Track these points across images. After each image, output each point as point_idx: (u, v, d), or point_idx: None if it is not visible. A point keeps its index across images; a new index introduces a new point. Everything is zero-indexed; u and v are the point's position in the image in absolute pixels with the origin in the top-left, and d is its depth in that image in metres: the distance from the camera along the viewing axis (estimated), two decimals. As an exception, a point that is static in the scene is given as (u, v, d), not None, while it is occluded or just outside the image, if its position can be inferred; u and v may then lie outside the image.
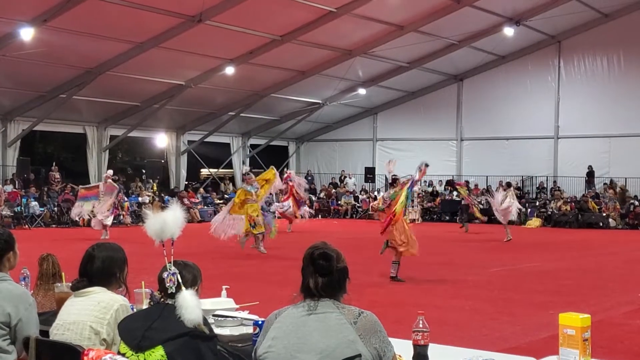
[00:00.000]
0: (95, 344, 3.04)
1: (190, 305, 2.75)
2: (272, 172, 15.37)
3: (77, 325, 3.09)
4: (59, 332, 3.15)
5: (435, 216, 27.73)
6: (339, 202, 29.49)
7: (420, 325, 2.93)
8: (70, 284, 3.33)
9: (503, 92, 28.32)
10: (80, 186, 19.24)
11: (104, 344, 3.07)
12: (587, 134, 26.68)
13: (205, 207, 26.53)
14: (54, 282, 4.11)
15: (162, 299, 2.87)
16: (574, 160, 26.97)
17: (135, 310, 3.26)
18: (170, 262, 2.86)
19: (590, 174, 26.52)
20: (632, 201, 24.81)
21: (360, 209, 28.66)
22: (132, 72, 21.98)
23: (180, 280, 2.83)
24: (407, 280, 10.66)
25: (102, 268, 3.21)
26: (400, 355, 2.83)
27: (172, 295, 2.81)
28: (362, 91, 28.12)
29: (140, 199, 25.34)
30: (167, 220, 2.89)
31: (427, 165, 10.94)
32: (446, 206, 27.76)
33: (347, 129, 32.21)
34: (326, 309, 2.64)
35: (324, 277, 2.67)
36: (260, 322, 3.11)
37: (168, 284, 2.82)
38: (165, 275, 2.85)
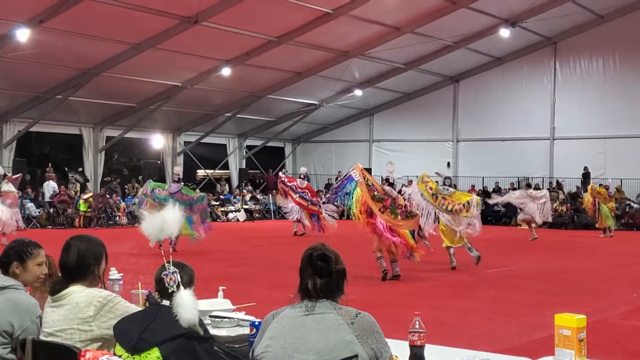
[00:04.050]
0: (89, 344, 3.03)
1: (188, 305, 2.76)
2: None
3: (66, 332, 3.07)
4: (47, 339, 3.13)
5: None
6: (335, 202, 29.46)
7: (417, 326, 2.93)
8: (48, 286, 3.30)
9: (499, 93, 28.37)
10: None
11: (102, 340, 3.04)
12: (583, 135, 26.74)
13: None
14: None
15: (159, 300, 2.87)
16: (569, 162, 27.02)
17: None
18: (169, 262, 2.87)
19: (586, 175, 26.57)
20: (627, 202, 24.86)
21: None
22: (128, 73, 21.96)
23: (180, 280, 2.83)
24: (404, 281, 10.68)
25: (76, 258, 3.16)
26: (396, 356, 2.83)
27: (171, 295, 2.81)
28: (358, 92, 28.15)
29: (135, 200, 25.28)
30: (167, 219, 2.89)
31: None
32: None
33: (343, 130, 32.23)
34: (324, 310, 2.65)
35: (322, 279, 2.68)
36: (256, 323, 3.11)
37: (169, 283, 2.82)
38: (164, 274, 2.85)
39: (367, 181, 10.83)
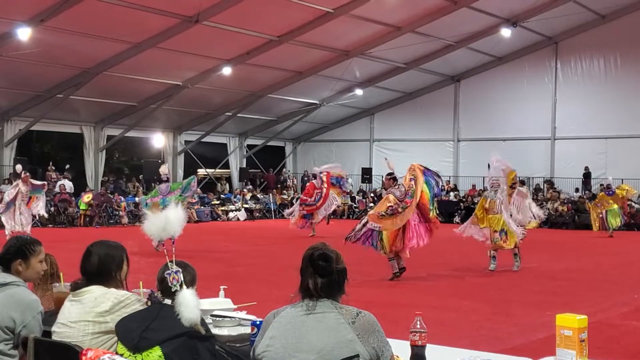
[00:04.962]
0: (101, 337, 3.04)
1: (191, 304, 2.77)
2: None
3: (79, 323, 3.10)
4: (60, 330, 3.16)
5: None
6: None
7: (418, 326, 2.94)
8: (70, 285, 3.33)
9: (500, 93, 28.36)
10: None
11: (114, 333, 3.06)
12: (584, 135, 26.74)
13: (202, 207, 26.54)
14: (52, 282, 4.11)
15: (161, 299, 2.88)
16: (570, 162, 27.02)
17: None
18: (172, 261, 2.87)
19: (587, 175, 26.57)
20: (628, 202, 24.81)
21: (357, 210, 28.66)
22: (129, 72, 21.97)
23: (183, 279, 2.84)
24: (405, 281, 10.69)
25: (97, 265, 3.19)
26: (398, 356, 2.84)
27: (174, 294, 2.82)
28: (359, 92, 28.15)
29: (137, 199, 25.31)
30: (170, 219, 2.90)
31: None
32: (442, 207, 27.77)
33: (344, 130, 32.22)
34: (324, 309, 2.66)
35: (323, 278, 2.68)
36: (258, 323, 3.12)
37: (172, 283, 2.83)
38: (167, 273, 2.86)
39: (383, 213, 10.82)
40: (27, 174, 16.43)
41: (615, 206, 20.40)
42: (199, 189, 28.49)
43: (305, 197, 19.13)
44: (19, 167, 17.21)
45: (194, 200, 25.79)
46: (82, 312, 3.12)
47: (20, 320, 3.23)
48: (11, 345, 3.24)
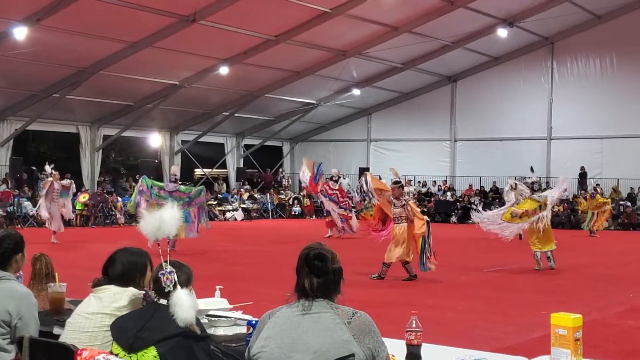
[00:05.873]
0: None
1: (185, 305, 2.76)
2: None
3: (96, 316, 3.12)
4: (74, 320, 3.18)
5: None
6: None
7: (414, 325, 2.94)
8: (92, 282, 3.35)
9: (496, 93, 28.42)
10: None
11: None
12: (579, 135, 26.81)
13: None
14: (47, 282, 4.12)
15: (156, 299, 2.88)
16: (566, 161, 27.08)
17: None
18: (166, 261, 2.87)
19: (583, 175, 26.63)
20: (622, 202, 24.89)
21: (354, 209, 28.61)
22: (125, 72, 21.94)
23: (177, 279, 2.84)
24: (401, 280, 10.70)
25: (121, 272, 3.22)
26: (393, 355, 2.84)
27: (168, 294, 2.81)
28: (356, 92, 28.17)
29: (132, 199, 25.26)
30: (165, 219, 2.90)
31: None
32: (439, 206, 27.81)
33: (341, 130, 32.25)
34: (320, 309, 2.65)
35: (319, 278, 2.68)
36: (253, 322, 3.12)
37: (165, 283, 2.83)
38: (161, 274, 2.85)
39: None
40: (57, 172, 16.74)
41: (590, 212, 20.61)
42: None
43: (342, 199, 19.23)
44: (47, 167, 17.34)
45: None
46: (100, 305, 3.15)
47: (15, 312, 3.26)
48: (9, 340, 3.26)
